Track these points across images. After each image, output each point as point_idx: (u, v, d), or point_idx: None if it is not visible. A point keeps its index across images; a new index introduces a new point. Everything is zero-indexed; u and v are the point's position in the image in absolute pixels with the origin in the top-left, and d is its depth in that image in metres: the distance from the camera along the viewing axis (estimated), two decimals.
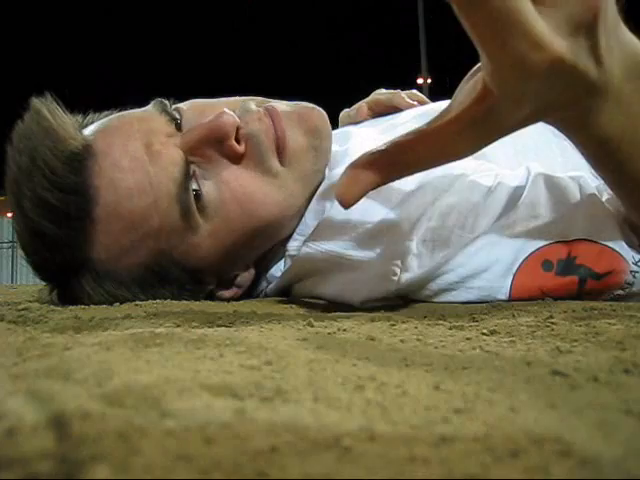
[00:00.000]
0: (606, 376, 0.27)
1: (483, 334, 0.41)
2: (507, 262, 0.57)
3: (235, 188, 0.63)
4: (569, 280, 0.55)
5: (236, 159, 0.63)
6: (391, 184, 0.53)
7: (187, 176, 0.60)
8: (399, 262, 0.59)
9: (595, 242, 0.56)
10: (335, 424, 0.20)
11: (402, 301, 0.63)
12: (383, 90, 0.97)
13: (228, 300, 0.71)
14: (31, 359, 0.32)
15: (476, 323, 0.47)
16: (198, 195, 0.61)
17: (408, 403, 0.24)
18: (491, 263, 0.57)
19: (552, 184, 0.60)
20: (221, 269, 0.68)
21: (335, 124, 0.95)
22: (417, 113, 0.84)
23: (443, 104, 0.58)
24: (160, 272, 0.64)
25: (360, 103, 0.97)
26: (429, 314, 0.52)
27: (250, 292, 0.75)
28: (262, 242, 0.69)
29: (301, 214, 0.69)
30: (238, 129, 0.63)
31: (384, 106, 0.93)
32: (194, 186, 0.61)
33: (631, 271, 0.55)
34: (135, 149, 0.60)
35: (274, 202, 0.65)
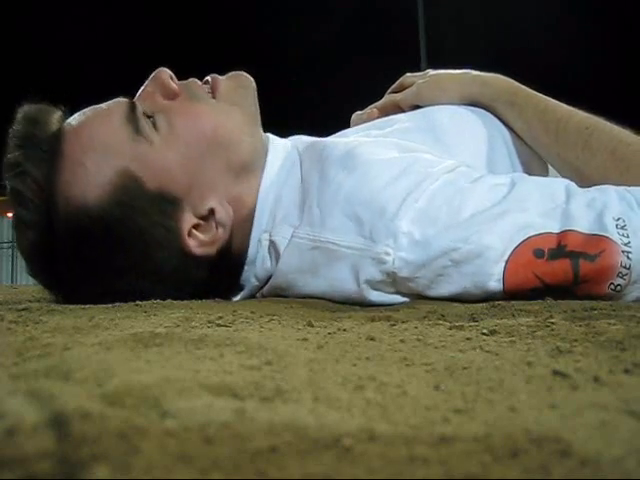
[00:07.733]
0: (606, 376, 0.27)
1: (483, 334, 0.41)
2: (499, 249, 0.58)
3: (179, 109, 0.72)
4: (562, 263, 0.57)
5: (174, 96, 0.73)
6: (375, 168, 0.66)
7: (134, 105, 0.70)
8: (391, 241, 0.60)
9: (582, 232, 0.58)
10: (335, 424, 0.20)
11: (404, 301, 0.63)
12: (409, 74, 0.96)
13: (212, 245, 0.70)
14: (31, 359, 0.32)
15: (476, 323, 0.47)
16: (150, 117, 0.70)
17: (408, 403, 0.24)
18: (484, 249, 0.59)
19: (539, 182, 0.66)
20: (191, 193, 0.69)
21: (337, 124, 0.95)
22: (415, 112, 0.87)
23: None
24: (128, 199, 0.67)
25: (372, 106, 0.98)
26: (429, 314, 0.52)
27: (235, 272, 0.74)
28: (220, 161, 0.72)
29: (252, 144, 0.74)
30: (173, 79, 0.74)
31: (394, 108, 0.93)
32: (146, 111, 0.71)
33: (623, 251, 0.56)
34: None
35: (213, 117, 0.73)
